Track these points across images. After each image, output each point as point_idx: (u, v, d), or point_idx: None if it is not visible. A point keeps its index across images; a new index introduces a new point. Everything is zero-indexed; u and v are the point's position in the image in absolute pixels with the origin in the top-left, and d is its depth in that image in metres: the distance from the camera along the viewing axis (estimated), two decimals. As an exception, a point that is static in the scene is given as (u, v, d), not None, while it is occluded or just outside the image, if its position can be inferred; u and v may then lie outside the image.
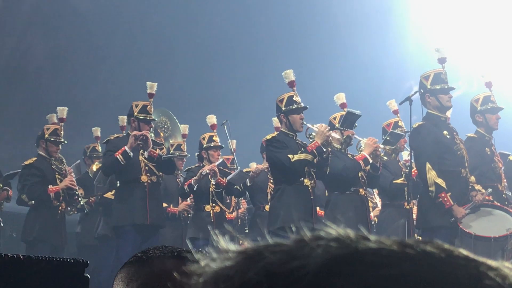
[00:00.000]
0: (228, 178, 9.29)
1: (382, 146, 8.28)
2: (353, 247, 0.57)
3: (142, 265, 1.59)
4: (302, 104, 8.07)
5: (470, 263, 0.57)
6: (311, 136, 8.04)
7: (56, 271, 1.86)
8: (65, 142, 9.74)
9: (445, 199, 7.32)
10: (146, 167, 8.70)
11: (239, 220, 9.86)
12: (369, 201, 10.04)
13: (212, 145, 9.56)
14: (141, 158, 8.67)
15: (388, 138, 8.33)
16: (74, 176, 9.83)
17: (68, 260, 1.89)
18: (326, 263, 0.57)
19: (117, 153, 8.54)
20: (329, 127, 8.14)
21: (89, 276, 1.80)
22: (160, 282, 1.54)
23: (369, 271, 0.56)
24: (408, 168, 8.20)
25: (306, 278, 0.57)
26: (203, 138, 9.68)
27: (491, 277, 0.57)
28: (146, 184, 8.68)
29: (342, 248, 0.57)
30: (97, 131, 11.30)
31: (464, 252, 0.59)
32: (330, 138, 8.03)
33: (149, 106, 8.82)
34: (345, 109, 8.45)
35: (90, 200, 10.21)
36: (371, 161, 8.18)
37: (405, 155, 9.36)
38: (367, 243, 0.58)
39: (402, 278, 0.55)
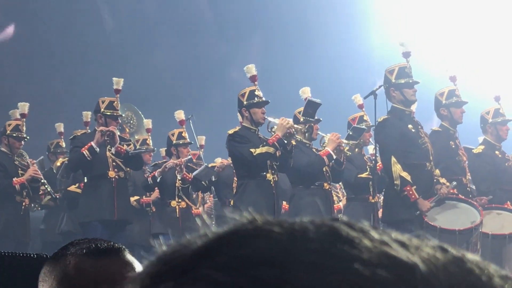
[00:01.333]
0: (194, 173, 9.27)
1: (345, 141, 8.30)
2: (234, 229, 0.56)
3: (55, 264, 1.54)
4: (264, 98, 8.08)
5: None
6: (272, 130, 8.06)
7: (20, 266, 1.83)
8: (28, 137, 9.66)
9: (410, 192, 7.36)
10: (114, 163, 8.65)
11: (205, 215, 9.83)
12: (334, 195, 10.12)
13: (181, 142, 9.51)
14: (108, 153, 8.61)
15: (351, 133, 8.36)
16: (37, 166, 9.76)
17: (32, 255, 1.87)
18: (202, 246, 0.56)
19: (83, 148, 8.47)
20: (290, 120, 8.15)
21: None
22: (70, 282, 1.49)
23: (227, 252, 0.55)
24: (373, 162, 8.25)
25: (178, 262, 0.56)
26: (172, 134, 9.61)
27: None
28: (113, 179, 8.63)
29: (226, 231, 0.57)
30: (60, 127, 11.20)
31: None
32: (293, 129, 8.05)
33: (115, 102, 8.77)
34: (307, 98, 8.46)
35: (57, 196, 10.12)
36: (335, 156, 8.21)
37: (370, 149, 9.40)
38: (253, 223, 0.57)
39: (250, 257, 0.54)
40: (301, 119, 8.40)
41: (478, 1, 16.48)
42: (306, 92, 8.73)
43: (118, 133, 8.95)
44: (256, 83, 8.18)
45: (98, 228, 8.45)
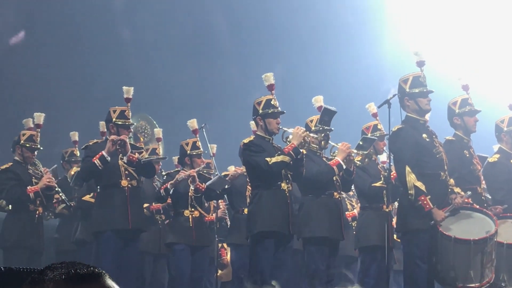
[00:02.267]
0: (207, 183, 9.27)
1: (355, 151, 8.28)
2: None
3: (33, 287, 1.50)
4: (280, 109, 8.07)
5: None
6: (288, 140, 8.05)
7: (17, 280, 1.82)
8: (41, 148, 9.70)
9: (425, 202, 7.33)
10: (126, 172, 8.65)
11: (218, 223, 9.83)
12: (348, 203, 10.09)
13: (195, 153, 9.52)
14: (120, 162, 8.62)
15: (361, 143, 8.34)
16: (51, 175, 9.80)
17: (25, 270, 1.85)
18: None
19: (94, 158, 8.49)
20: (304, 129, 8.15)
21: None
22: None
23: None
24: (387, 171, 8.22)
25: None
26: (186, 144, 9.61)
27: None
28: (126, 188, 8.63)
29: None
30: (75, 136, 11.22)
31: None
32: (308, 138, 8.04)
33: (127, 111, 8.77)
34: (323, 106, 8.44)
35: (72, 204, 10.15)
36: (344, 166, 8.20)
37: (383, 158, 9.37)
38: None
39: None
40: (313, 128, 8.39)
41: (492, 9, 16.43)
42: (319, 101, 8.72)
43: (130, 142, 8.97)
44: (273, 92, 8.17)
45: (111, 238, 8.46)
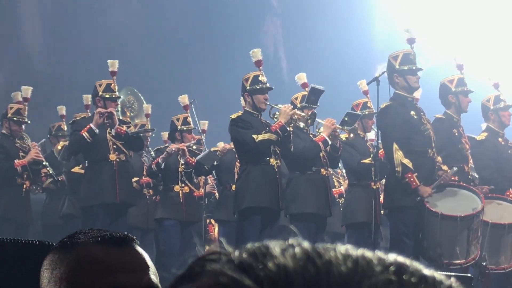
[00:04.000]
0: (197, 158, 9.26)
1: (340, 126, 8.29)
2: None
3: (66, 251, 1.51)
4: (268, 85, 8.06)
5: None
6: (275, 116, 8.04)
7: (22, 253, 1.83)
8: (29, 122, 9.67)
9: (412, 179, 7.35)
10: (114, 146, 8.64)
11: (206, 199, 9.83)
12: (335, 180, 10.12)
13: (185, 128, 9.51)
14: (108, 136, 8.60)
15: (346, 119, 8.34)
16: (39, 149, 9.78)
17: (34, 242, 1.86)
18: None
19: (82, 131, 8.47)
20: (292, 107, 8.14)
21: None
22: (84, 270, 1.47)
23: None
24: (375, 148, 8.24)
25: None
26: (177, 119, 9.60)
27: None
28: (114, 162, 8.62)
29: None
30: (62, 110, 11.18)
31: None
32: (296, 116, 8.03)
33: (113, 84, 8.77)
34: (311, 85, 8.43)
35: (59, 179, 10.14)
36: (330, 142, 8.21)
37: (371, 135, 9.38)
38: None
39: None
40: (298, 105, 8.38)
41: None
42: (302, 78, 8.72)
43: (118, 116, 8.95)
44: (260, 68, 8.16)
45: (100, 213, 8.46)
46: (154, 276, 1.51)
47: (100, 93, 8.67)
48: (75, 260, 1.49)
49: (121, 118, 9.12)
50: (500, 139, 8.63)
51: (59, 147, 10.43)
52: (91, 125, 8.48)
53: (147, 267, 1.51)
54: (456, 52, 8.72)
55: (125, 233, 1.54)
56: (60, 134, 10.94)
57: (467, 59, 8.72)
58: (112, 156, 8.61)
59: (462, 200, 7.47)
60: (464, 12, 16.28)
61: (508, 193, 8.27)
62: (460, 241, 7.21)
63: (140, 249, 1.53)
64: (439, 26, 16.00)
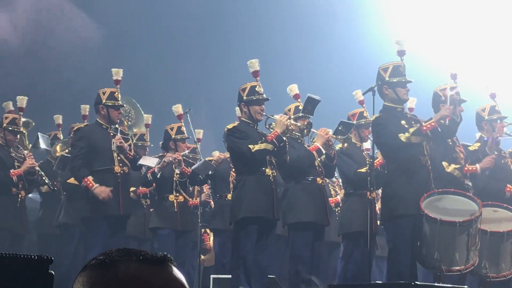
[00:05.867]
0: (193, 167, 9.28)
1: (334, 136, 8.31)
2: None
3: (105, 270, 1.48)
4: (264, 96, 8.07)
5: None
6: (271, 127, 8.06)
7: (20, 268, 1.83)
8: (24, 131, 9.68)
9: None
10: (118, 158, 8.68)
11: (201, 208, 9.83)
12: (331, 189, 10.13)
13: (179, 137, 9.54)
14: (113, 148, 8.64)
15: (339, 128, 8.37)
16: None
17: (32, 256, 1.86)
18: None
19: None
20: (287, 117, 8.17)
21: (53, 273, 1.77)
22: (128, 287, 1.45)
23: None
24: (371, 158, 8.26)
25: None
26: (171, 129, 9.62)
27: None
28: (119, 174, 8.64)
29: None
30: (59, 119, 11.18)
31: None
32: (292, 126, 8.05)
33: (116, 93, 8.81)
34: (307, 94, 8.46)
35: (55, 183, 10.13)
36: (324, 151, 8.23)
37: (367, 144, 9.40)
38: None
39: None
40: (292, 117, 8.40)
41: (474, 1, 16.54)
42: (293, 90, 8.73)
43: (116, 126, 8.98)
44: (258, 78, 8.17)
45: (102, 224, 8.43)
46: None
47: (104, 101, 8.71)
48: (116, 279, 1.46)
49: (119, 127, 9.12)
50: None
51: (58, 149, 10.40)
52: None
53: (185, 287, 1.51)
54: (450, 61, 8.74)
55: (165, 253, 1.51)
56: (56, 143, 10.94)
57: (462, 67, 8.73)
58: (117, 168, 8.63)
59: (460, 206, 7.51)
60: (462, 20, 16.34)
61: (508, 188, 8.32)
62: (459, 247, 7.24)
63: (177, 270, 1.52)
64: (436, 33, 16.04)
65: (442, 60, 9.26)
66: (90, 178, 8.43)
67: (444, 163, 8.04)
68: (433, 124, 7.48)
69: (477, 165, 8.34)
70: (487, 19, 16.22)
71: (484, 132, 8.81)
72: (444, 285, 6.93)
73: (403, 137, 7.47)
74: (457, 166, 8.18)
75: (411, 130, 7.49)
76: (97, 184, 8.37)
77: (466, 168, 8.24)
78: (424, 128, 7.49)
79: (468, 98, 8.40)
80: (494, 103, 8.85)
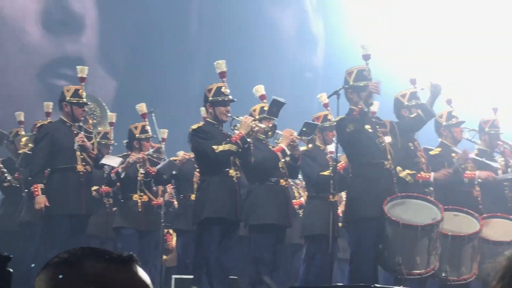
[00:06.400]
0: (157, 167, 9.27)
1: (298, 136, 8.36)
2: None
3: (69, 268, 1.46)
4: (230, 97, 8.08)
5: None
6: (235, 128, 8.07)
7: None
8: None
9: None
10: (81, 156, 8.62)
11: (165, 208, 9.80)
12: (295, 191, 10.16)
13: (144, 137, 9.51)
14: (75, 147, 8.59)
15: (304, 129, 8.41)
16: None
17: (-8, 254, 1.84)
18: None
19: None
20: (252, 118, 8.19)
21: (11, 270, 1.76)
22: (89, 287, 1.44)
23: None
24: (335, 161, 8.30)
25: None
26: (135, 128, 9.59)
27: None
28: (81, 173, 8.60)
29: None
30: (20, 116, 11.08)
31: None
32: (256, 128, 8.07)
33: (80, 90, 8.80)
34: (272, 97, 8.48)
35: (16, 175, 10.06)
36: (288, 152, 8.26)
37: (331, 147, 9.45)
38: None
39: None
40: (257, 117, 8.42)
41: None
42: (259, 90, 8.75)
43: (80, 124, 8.94)
44: (224, 79, 8.17)
45: (63, 223, 8.38)
46: None
47: (68, 98, 8.67)
48: (80, 278, 1.44)
49: (83, 126, 9.08)
50: (453, 154, 8.78)
51: (23, 139, 10.31)
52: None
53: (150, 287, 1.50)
54: (408, 67, 8.85)
55: (131, 253, 1.51)
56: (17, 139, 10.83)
57: (421, 72, 8.85)
58: (80, 167, 8.59)
59: (422, 210, 7.59)
60: (422, 25, 16.50)
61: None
62: (420, 251, 7.32)
63: (142, 270, 1.51)
64: (397, 39, 16.16)
65: (404, 65, 9.34)
66: (40, 186, 8.41)
67: (398, 168, 8.10)
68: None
69: (432, 174, 8.42)
70: (445, 25, 16.39)
71: (443, 137, 8.92)
72: (403, 289, 7.00)
73: (367, 127, 7.56)
74: (412, 172, 8.23)
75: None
76: (43, 195, 8.34)
77: (419, 175, 8.31)
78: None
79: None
80: (451, 109, 8.97)
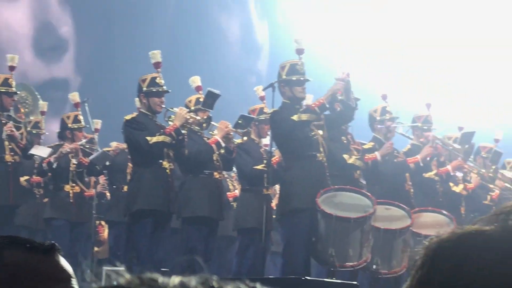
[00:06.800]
0: (90, 158, 9.17)
1: (233, 129, 8.35)
2: None
3: None
4: (165, 88, 8.02)
5: None
6: (170, 119, 8.02)
7: None
8: None
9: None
10: (10, 146, 8.47)
11: (97, 200, 9.70)
12: (230, 184, 10.15)
13: (76, 126, 9.38)
14: (4, 137, 8.44)
15: (240, 122, 8.41)
16: None
17: None
18: None
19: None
20: (187, 110, 8.16)
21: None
22: (11, 277, 1.40)
23: None
24: (269, 154, 8.31)
25: None
26: (67, 117, 9.46)
27: None
28: (9, 163, 8.47)
29: None
30: None
31: None
32: (191, 119, 8.03)
33: (10, 79, 8.69)
34: (207, 89, 8.45)
35: None
36: (223, 144, 8.25)
37: (266, 140, 9.46)
38: None
39: None
40: (192, 108, 8.38)
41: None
42: (196, 81, 8.72)
43: (10, 114, 8.80)
44: (159, 70, 8.10)
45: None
46: (76, 287, 1.47)
47: (-4, 87, 8.55)
48: (0, 265, 1.41)
49: (13, 116, 8.94)
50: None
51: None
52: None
53: (71, 277, 1.46)
54: (342, 64, 8.93)
55: (53, 242, 1.47)
56: None
57: (355, 66, 8.95)
58: (8, 157, 8.47)
59: (355, 203, 7.66)
60: (359, 19, 16.64)
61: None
62: (353, 243, 7.39)
63: (64, 260, 1.48)
64: (329, 34, 16.26)
65: (339, 60, 9.42)
66: None
67: (345, 156, 8.18)
68: (321, 101, 7.62)
69: (376, 153, 8.55)
70: (381, 19, 16.56)
71: (376, 132, 9.02)
72: (334, 280, 7.05)
73: (295, 117, 7.56)
74: (358, 156, 8.33)
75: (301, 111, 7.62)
76: None
77: (366, 157, 8.42)
78: (313, 105, 7.60)
79: (363, 97, 8.57)
80: (386, 104, 9.07)
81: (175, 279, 0.62)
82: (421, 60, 15.82)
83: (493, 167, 10.11)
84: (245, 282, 0.64)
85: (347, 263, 7.43)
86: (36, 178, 9.84)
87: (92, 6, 16.19)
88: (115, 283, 0.59)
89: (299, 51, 7.87)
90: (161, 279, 0.62)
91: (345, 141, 8.38)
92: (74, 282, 1.46)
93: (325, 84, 8.67)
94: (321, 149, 7.75)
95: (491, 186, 10.14)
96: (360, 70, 10.18)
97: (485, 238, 0.84)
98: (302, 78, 7.78)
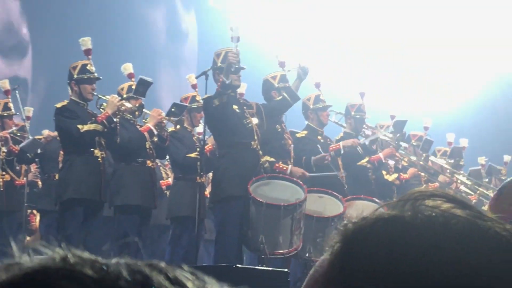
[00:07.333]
0: (21, 145, 9.06)
1: (166, 117, 8.32)
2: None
3: None
4: (96, 75, 7.94)
5: None
6: (102, 107, 7.95)
7: None
8: None
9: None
10: None
11: (28, 188, 9.57)
12: (163, 172, 10.11)
13: (6, 114, 9.26)
14: None
15: (173, 110, 8.38)
16: None
17: None
18: (6, 282, 0.58)
19: None
20: (119, 98, 8.10)
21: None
22: None
23: None
24: (201, 142, 8.30)
25: None
26: (-4, 105, 9.32)
27: None
28: None
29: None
30: None
31: None
32: (123, 107, 7.97)
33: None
34: (139, 76, 8.39)
35: None
36: (156, 132, 8.21)
37: (199, 129, 9.44)
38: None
39: None
40: (124, 96, 8.33)
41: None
42: (128, 69, 8.65)
43: None
44: (90, 57, 8.02)
45: None
46: None
47: None
48: None
49: None
50: (319, 137, 8.96)
51: None
52: None
53: None
54: (279, 51, 8.96)
55: None
56: None
57: (291, 56, 8.97)
58: None
59: (286, 191, 7.71)
60: (298, 8, 16.68)
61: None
62: (283, 231, 7.43)
63: None
64: (269, 21, 16.27)
65: (274, 48, 9.43)
66: None
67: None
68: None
69: (290, 166, 8.46)
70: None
71: (310, 120, 9.08)
72: (265, 268, 7.09)
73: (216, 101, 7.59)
74: (271, 159, 8.26)
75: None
76: None
77: (277, 165, 8.26)
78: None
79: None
80: (319, 93, 9.14)
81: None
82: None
83: (424, 155, 10.26)
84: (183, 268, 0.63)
85: (277, 251, 7.47)
86: None
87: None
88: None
89: (235, 39, 7.85)
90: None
91: (279, 130, 8.42)
92: None
93: (260, 72, 8.72)
94: (255, 137, 7.78)
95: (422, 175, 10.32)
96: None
97: (400, 224, 0.84)
98: (237, 66, 7.76)
